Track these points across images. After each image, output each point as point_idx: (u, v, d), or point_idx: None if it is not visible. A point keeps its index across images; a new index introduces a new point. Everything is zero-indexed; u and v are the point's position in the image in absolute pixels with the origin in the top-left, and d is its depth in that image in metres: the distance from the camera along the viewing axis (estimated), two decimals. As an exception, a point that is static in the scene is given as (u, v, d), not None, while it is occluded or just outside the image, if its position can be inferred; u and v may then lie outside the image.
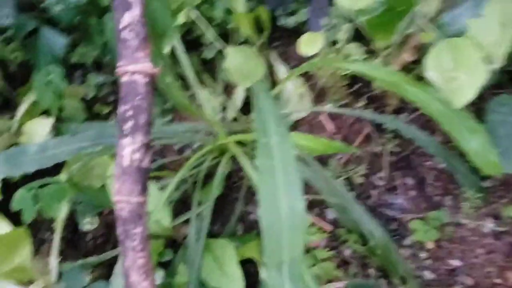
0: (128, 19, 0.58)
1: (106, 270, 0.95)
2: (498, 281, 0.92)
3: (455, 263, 0.95)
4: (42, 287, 0.86)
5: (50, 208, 0.71)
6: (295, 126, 1.13)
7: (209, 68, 1.22)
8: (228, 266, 0.84)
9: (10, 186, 0.90)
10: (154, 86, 0.60)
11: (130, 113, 0.59)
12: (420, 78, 0.80)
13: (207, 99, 1.16)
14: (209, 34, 1.09)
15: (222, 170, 0.99)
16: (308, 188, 1.05)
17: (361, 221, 0.92)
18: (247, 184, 1.05)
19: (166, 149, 1.17)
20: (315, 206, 1.03)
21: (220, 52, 1.14)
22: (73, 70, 1.19)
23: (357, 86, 1.13)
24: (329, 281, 0.96)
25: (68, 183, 0.78)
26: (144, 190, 0.60)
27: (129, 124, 0.59)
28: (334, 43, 1.05)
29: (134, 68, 0.58)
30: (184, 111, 1.04)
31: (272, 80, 1.17)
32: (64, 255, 1.00)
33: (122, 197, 0.59)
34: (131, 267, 0.57)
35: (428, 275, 0.95)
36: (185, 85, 1.19)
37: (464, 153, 0.72)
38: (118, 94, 0.76)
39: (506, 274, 0.92)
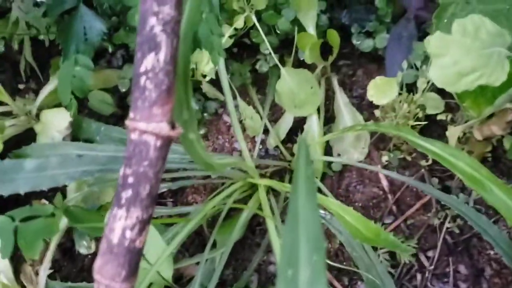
0: (152, 63, 0.44)
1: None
2: None
3: None
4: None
5: (30, 247, 0.60)
6: (343, 171, 0.97)
7: (260, 78, 1.06)
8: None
9: None
10: (168, 150, 0.46)
11: (131, 179, 0.45)
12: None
13: (250, 115, 1.01)
14: (267, 45, 0.94)
15: (247, 212, 0.85)
16: (341, 252, 0.90)
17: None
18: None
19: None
20: (345, 275, 0.88)
21: (276, 66, 0.98)
22: (110, 56, 1.07)
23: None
24: None
25: (63, 213, 0.67)
26: (131, 275, 0.48)
27: (127, 194, 0.46)
28: (411, 87, 0.88)
29: (147, 127, 0.44)
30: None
31: (330, 107, 1.01)
32: (58, 266, 0.90)
33: (103, 280, 0.47)
34: None
35: None
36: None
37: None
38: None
39: None
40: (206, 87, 1.03)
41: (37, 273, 0.85)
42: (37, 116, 0.94)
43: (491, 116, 0.77)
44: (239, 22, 0.92)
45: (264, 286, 0.88)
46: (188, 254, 0.91)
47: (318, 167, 0.94)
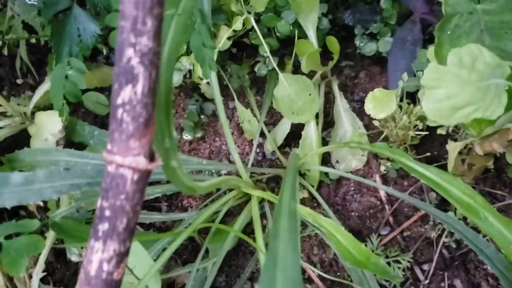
0: (129, 95, 0.42)
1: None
2: None
3: None
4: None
5: (14, 265, 0.59)
6: (340, 180, 0.95)
7: (260, 79, 1.04)
8: None
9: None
10: (146, 182, 0.45)
11: (108, 213, 0.44)
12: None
13: (247, 118, 0.99)
14: (266, 49, 0.91)
15: (241, 221, 0.84)
16: (335, 263, 0.89)
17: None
18: (268, 239, 0.90)
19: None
20: (338, 285, 0.87)
21: (275, 70, 0.95)
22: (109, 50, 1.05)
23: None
24: None
25: (50, 227, 0.66)
26: (110, 306, 0.47)
27: (104, 226, 0.45)
28: (413, 95, 0.85)
29: (123, 161, 0.43)
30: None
31: (330, 111, 0.99)
32: (52, 268, 0.90)
33: (81, 310, 0.46)
34: None
35: None
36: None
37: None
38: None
39: None
40: (204, 88, 1.01)
41: (30, 276, 0.85)
42: (33, 115, 0.93)
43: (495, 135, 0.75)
44: (237, 24, 0.90)
45: (257, 295, 0.88)
46: (181, 260, 0.91)
47: (315, 176, 0.93)
